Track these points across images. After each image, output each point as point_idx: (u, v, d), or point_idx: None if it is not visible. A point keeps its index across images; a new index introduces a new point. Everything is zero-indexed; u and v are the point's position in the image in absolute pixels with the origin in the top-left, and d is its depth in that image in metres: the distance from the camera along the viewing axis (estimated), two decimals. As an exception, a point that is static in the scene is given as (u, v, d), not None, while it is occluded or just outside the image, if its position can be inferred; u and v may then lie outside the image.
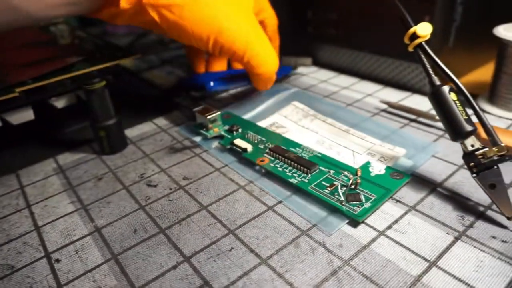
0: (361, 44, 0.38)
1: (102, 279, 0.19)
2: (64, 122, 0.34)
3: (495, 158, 0.20)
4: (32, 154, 0.30)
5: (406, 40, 0.23)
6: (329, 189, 0.23)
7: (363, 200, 0.22)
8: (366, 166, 0.25)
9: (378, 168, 0.24)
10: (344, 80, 0.40)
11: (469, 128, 0.20)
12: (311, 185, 0.23)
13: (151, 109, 0.36)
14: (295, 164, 0.25)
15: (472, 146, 0.21)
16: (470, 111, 0.21)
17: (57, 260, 0.20)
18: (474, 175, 0.20)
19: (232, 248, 0.20)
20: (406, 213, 0.21)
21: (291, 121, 0.32)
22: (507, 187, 0.22)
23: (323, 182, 0.23)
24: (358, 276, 0.18)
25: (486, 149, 0.20)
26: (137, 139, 0.31)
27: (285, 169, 0.25)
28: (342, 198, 0.22)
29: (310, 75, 0.42)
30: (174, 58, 0.50)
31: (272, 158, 0.26)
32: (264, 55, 0.30)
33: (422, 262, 0.18)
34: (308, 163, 0.25)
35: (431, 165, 0.25)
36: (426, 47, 0.22)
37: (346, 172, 0.23)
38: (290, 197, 0.23)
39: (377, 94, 0.36)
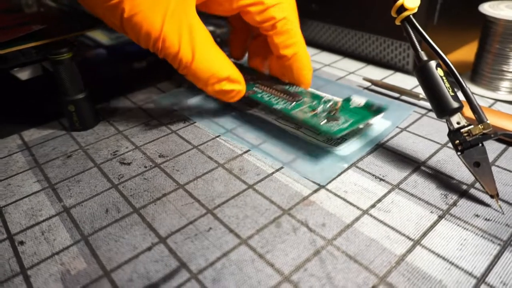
0: (344, 20, 0.37)
1: (70, 262, 0.18)
2: (29, 95, 0.32)
3: (480, 136, 0.19)
4: (-6, 130, 0.28)
5: (393, 13, 0.22)
6: (311, 113, 0.24)
7: (341, 122, 0.23)
8: (347, 100, 0.26)
9: (358, 102, 0.25)
10: (327, 57, 0.39)
11: (455, 104, 0.20)
12: (294, 110, 0.25)
13: (125, 83, 0.34)
14: (281, 94, 0.26)
15: (458, 123, 0.20)
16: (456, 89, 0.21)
17: (21, 242, 0.19)
18: (459, 153, 0.20)
19: (210, 228, 0.19)
20: (389, 191, 0.21)
21: (273, 76, 0.31)
22: (491, 165, 0.22)
23: (305, 109, 0.25)
24: (342, 256, 0.17)
25: (472, 126, 0.20)
26: (110, 115, 0.30)
27: (271, 99, 0.26)
28: (321, 120, 0.23)
29: (291, 51, 0.40)
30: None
31: (260, 91, 0.28)
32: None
33: (406, 241, 0.18)
34: (293, 93, 0.26)
35: (413, 143, 0.24)
36: (414, 21, 0.21)
37: (326, 98, 0.25)
38: (271, 175, 0.22)
39: (360, 72, 0.35)
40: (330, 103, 0.25)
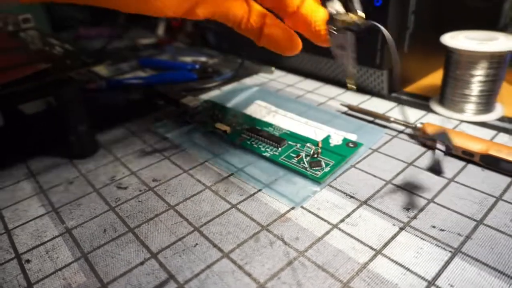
0: (325, 49, 0.40)
1: (71, 277, 0.20)
2: (34, 127, 0.35)
3: (352, 25, 0.21)
4: (2, 159, 0.30)
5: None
6: (296, 159, 0.27)
7: (324, 166, 0.26)
8: (326, 139, 0.29)
9: (336, 140, 0.29)
10: (309, 84, 0.42)
11: None
12: (281, 157, 0.28)
13: (123, 113, 0.37)
14: (268, 141, 0.29)
15: (336, 11, 0.22)
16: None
17: (28, 261, 0.21)
18: (329, 35, 0.22)
19: (196, 244, 0.21)
20: (358, 207, 0.23)
21: (256, 118, 0.34)
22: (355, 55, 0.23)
23: (291, 154, 0.28)
24: (311, 266, 0.19)
25: (347, 16, 0.21)
26: (108, 143, 0.32)
27: (259, 146, 0.29)
28: (306, 165, 0.26)
29: (278, 79, 0.44)
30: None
31: (248, 137, 0.30)
32: None
33: (369, 251, 0.20)
34: (278, 139, 0.29)
35: (383, 163, 0.27)
36: None
37: (309, 144, 0.28)
38: (253, 195, 0.25)
39: (340, 97, 0.38)
40: (312, 148, 0.27)
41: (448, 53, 0.32)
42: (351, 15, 0.21)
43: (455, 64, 0.31)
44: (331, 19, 0.22)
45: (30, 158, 0.31)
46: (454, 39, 0.31)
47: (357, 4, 0.21)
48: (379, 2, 0.33)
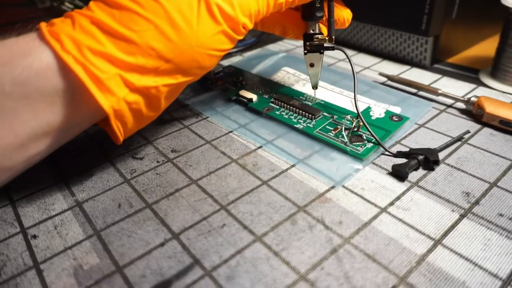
0: (359, 14, 0.36)
1: (83, 257, 0.17)
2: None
3: (323, 45, 0.25)
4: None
5: None
6: (334, 132, 0.24)
7: (366, 141, 0.23)
8: (367, 111, 0.26)
9: (378, 112, 0.25)
10: (341, 52, 0.38)
11: (318, 14, 0.24)
12: (317, 130, 0.24)
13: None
14: (300, 111, 0.26)
15: (313, 30, 0.25)
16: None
17: (34, 236, 0.19)
18: (305, 51, 0.25)
19: (224, 224, 0.19)
20: (408, 189, 0.20)
21: (285, 86, 0.30)
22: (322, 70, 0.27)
23: (327, 126, 0.25)
24: (360, 255, 0.17)
25: (321, 36, 0.24)
26: (122, 110, 0.29)
27: (290, 116, 0.26)
28: (346, 139, 0.23)
29: (305, 46, 0.40)
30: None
31: (277, 107, 0.27)
32: None
33: (427, 240, 0.17)
34: (312, 109, 0.26)
35: (433, 140, 0.24)
36: None
37: (348, 116, 0.25)
38: (286, 171, 0.22)
39: (376, 67, 0.34)
40: (353, 120, 0.24)
41: (509, 16, 0.28)
42: (326, 37, 0.24)
43: (516, 30, 0.27)
44: (311, 37, 0.25)
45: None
46: (518, 1, 0.27)
47: (333, 31, 0.24)
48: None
